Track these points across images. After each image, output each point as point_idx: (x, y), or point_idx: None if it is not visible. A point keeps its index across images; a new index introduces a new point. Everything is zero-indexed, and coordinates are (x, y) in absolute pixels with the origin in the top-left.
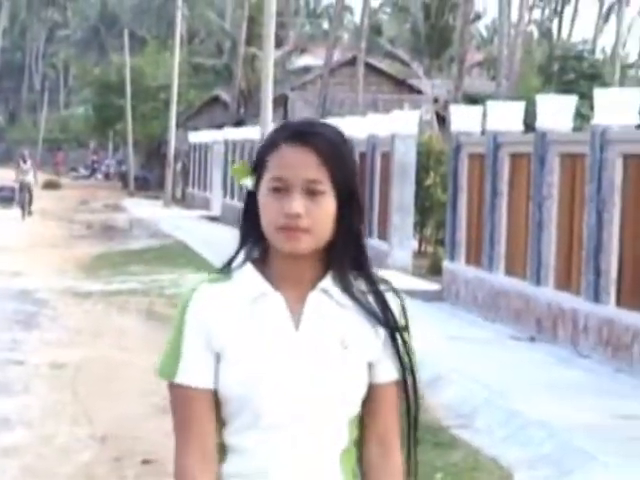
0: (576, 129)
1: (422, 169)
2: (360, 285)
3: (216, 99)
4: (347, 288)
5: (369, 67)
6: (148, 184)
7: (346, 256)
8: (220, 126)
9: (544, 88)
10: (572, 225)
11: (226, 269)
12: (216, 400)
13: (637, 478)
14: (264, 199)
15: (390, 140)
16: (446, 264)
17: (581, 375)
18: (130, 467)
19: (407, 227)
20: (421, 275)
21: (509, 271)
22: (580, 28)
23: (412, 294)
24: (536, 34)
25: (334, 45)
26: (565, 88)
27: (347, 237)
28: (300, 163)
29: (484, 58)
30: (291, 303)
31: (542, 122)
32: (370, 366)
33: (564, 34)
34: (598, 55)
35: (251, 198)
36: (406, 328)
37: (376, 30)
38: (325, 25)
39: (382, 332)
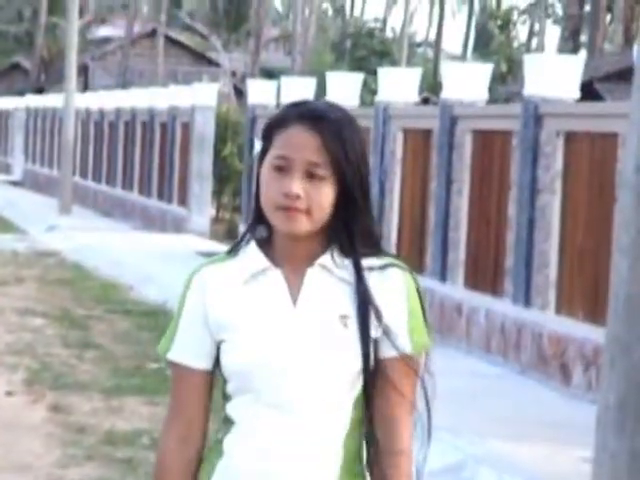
0: (367, 104)
1: (220, 139)
2: (367, 263)
3: (16, 66)
4: (346, 264)
5: (169, 39)
6: None
7: (345, 235)
8: (20, 93)
9: (337, 64)
10: None
11: (234, 249)
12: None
13: None
14: (266, 175)
15: (190, 111)
16: (241, 229)
17: None
18: None
19: (205, 194)
20: (218, 239)
21: None
22: (372, 7)
23: (209, 256)
24: (330, 11)
25: (134, 16)
26: (357, 64)
27: (348, 219)
28: (305, 145)
29: (280, 34)
30: (290, 280)
31: (332, 97)
32: (375, 342)
33: (357, 12)
34: (389, 33)
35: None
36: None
37: (175, 3)
38: None
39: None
